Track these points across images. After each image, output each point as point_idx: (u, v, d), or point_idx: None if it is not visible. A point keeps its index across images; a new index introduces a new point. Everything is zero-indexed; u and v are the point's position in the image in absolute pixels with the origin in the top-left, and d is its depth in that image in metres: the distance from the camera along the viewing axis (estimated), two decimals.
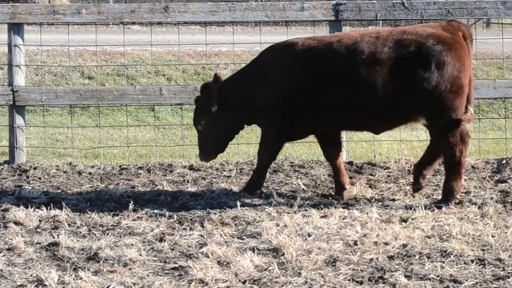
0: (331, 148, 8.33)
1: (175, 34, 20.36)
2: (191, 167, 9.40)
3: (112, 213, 7.66)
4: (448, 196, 7.96)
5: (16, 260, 6.36)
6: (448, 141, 7.90)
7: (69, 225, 7.27)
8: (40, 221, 7.36)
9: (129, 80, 16.40)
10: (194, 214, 7.65)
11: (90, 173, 9.20)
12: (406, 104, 7.88)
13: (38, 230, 7.15)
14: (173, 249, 6.67)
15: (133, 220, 7.45)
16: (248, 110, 8.15)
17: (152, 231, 7.13)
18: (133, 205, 7.80)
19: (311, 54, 8.02)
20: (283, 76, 8.04)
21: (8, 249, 6.61)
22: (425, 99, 7.86)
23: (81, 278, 5.94)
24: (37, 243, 6.77)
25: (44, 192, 8.26)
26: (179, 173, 9.17)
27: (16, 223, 7.28)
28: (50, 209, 7.67)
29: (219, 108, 8.16)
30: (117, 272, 6.11)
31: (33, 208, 7.65)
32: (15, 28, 9.53)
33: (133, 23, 18.79)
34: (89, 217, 7.50)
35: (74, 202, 7.99)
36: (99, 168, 9.42)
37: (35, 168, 9.28)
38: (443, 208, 7.75)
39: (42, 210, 7.62)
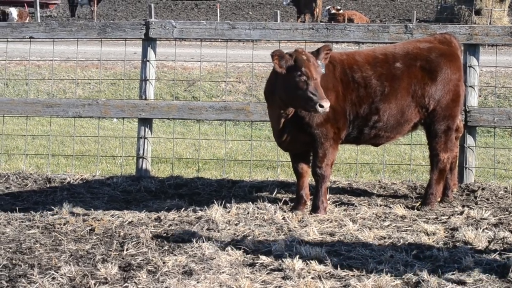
0: (303, 165, 8.41)
1: None
2: None
3: None
4: (428, 199, 8.49)
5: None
6: (441, 148, 8.42)
7: None
8: (489, 242, 7.33)
9: None
10: None
11: None
12: (416, 114, 8.35)
13: (487, 251, 7.11)
14: None
15: None
16: None
17: None
18: None
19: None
20: None
21: None
22: (431, 109, 8.34)
23: None
24: (486, 264, 6.73)
25: (492, 214, 8.22)
26: None
27: (466, 242, 7.31)
28: (499, 230, 7.60)
29: None
30: None
31: (482, 229, 7.66)
32: (471, 49, 9.62)
33: None
34: None
35: None
36: None
37: (483, 189, 9.27)
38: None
39: (491, 231, 7.59)
